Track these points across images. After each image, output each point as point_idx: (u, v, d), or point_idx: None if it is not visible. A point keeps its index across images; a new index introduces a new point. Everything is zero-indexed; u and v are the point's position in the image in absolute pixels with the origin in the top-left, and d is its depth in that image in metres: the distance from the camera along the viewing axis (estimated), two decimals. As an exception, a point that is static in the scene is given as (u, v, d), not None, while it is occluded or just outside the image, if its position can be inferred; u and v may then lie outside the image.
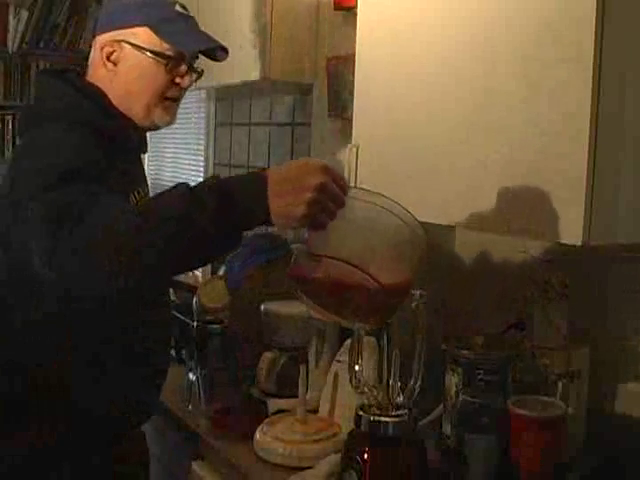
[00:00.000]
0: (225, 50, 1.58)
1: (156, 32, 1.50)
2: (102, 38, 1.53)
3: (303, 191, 1.13)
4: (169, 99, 1.56)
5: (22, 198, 1.29)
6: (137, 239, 1.15)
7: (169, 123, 1.59)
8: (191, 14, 1.58)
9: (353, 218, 1.19)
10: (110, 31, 1.52)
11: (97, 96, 1.52)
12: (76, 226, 1.17)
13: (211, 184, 1.18)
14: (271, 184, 1.15)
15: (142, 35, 1.51)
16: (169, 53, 1.52)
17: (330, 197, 1.15)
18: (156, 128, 1.60)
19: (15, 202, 1.33)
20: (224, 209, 1.14)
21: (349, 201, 1.18)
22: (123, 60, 1.52)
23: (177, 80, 1.55)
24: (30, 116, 1.54)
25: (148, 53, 1.50)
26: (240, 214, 1.16)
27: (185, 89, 1.58)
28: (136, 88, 1.52)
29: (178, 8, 1.56)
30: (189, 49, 1.54)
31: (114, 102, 1.52)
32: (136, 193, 1.55)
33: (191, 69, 1.57)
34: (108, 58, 1.52)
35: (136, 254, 1.15)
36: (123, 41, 1.51)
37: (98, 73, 1.54)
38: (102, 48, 1.52)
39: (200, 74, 1.60)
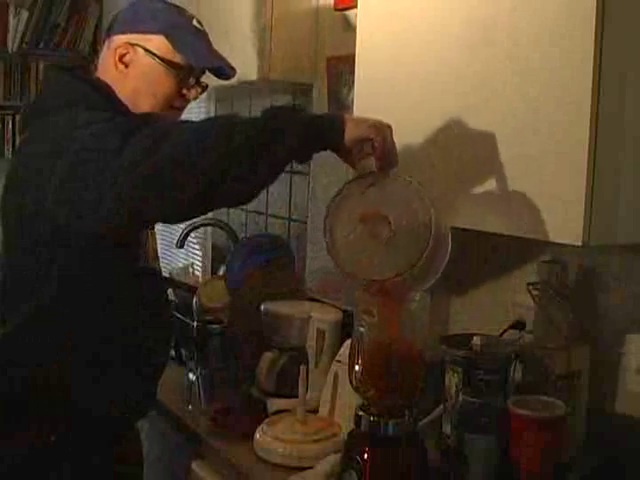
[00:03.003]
0: (233, 69, 1.62)
1: (171, 42, 1.54)
2: (117, 39, 1.55)
3: (373, 120, 1.34)
4: (173, 107, 1.59)
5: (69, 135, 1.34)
6: (230, 139, 1.25)
7: None
8: (205, 30, 1.62)
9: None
10: (126, 34, 1.55)
11: (106, 90, 1.54)
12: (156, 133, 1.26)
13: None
14: (347, 115, 1.35)
15: (157, 43, 1.54)
16: (180, 64, 1.54)
17: (391, 139, 1.33)
18: None
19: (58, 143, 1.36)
20: (306, 117, 1.32)
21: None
22: (135, 63, 1.54)
23: (184, 91, 1.58)
24: (37, 108, 1.55)
25: (160, 61, 1.53)
26: (318, 123, 1.32)
27: (189, 101, 1.61)
28: (144, 92, 1.55)
29: (195, 23, 1.59)
30: (200, 64, 1.58)
31: (123, 100, 1.54)
32: None
33: (198, 82, 1.60)
34: (120, 59, 1.54)
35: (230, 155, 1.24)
36: (137, 45, 1.53)
37: (108, 72, 1.56)
38: (116, 49, 1.54)
39: (205, 88, 1.63)
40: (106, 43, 1.59)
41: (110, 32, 1.59)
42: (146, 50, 1.53)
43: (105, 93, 1.53)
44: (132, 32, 1.54)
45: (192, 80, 1.59)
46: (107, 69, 1.56)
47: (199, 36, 1.59)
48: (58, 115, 1.41)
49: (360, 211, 1.32)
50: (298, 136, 1.27)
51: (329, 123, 1.32)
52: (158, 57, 1.53)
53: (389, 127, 1.34)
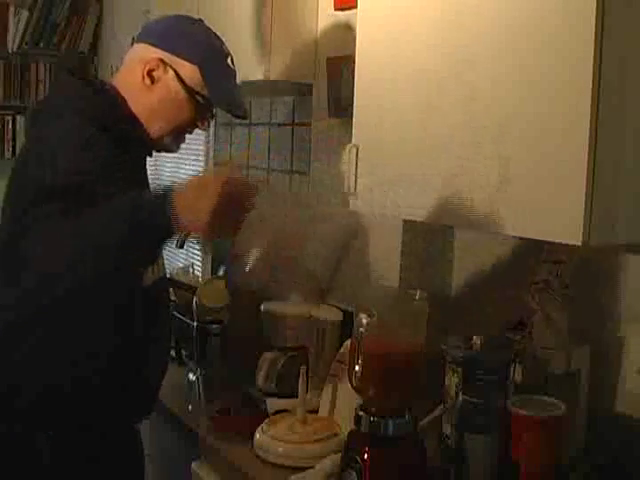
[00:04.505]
0: (247, 113, 1.68)
1: (203, 77, 1.54)
2: (151, 50, 1.54)
3: (204, 205, 1.20)
4: (182, 133, 1.60)
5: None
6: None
7: (172, 152, 1.64)
8: (236, 69, 1.64)
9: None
10: (162, 49, 1.53)
11: (114, 100, 1.52)
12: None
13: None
14: (176, 200, 1.21)
15: (190, 71, 1.53)
16: (205, 98, 1.55)
17: (234, 206, 1.23)
18: (158, 150, 1.63)
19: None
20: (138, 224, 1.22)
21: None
22: (161, 83, 1.53)
23: (197, 122, 1.59)
24: (43, 108, 1.53)
25: (187, 90, 1.53)
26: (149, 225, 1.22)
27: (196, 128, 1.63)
28: (161, 113, 1.54)
29: (229, 61, 1.60)
30: (225, 107, 1.61)
31: (134, 110, 1.53)
32: None
33: (211, 115, 1.62)
34: (149, 73, 1.53)
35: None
36: (170, 66, 1.52)
37: (130, 79, 1.54)
38: (147, 61, 1.53)
39: (214, 118, 1.65)
40: (136, 47, 1.57)
41: (145, 38, 1.57)
42: (177, 74, 1.52)
43: (113, 102, 1.51)
44: (168, 51, 1.53)
45: (209, 114, 1.60)
46: (130, 75, 1.54)
47: (230, 76, 1.61)
48: (57, 119, 1.41)
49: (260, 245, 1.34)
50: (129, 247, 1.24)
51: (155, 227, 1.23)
52: (186, 86, 1.53)
53: (223, 180, 1.23)
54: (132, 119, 1.53)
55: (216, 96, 1.56)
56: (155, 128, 1.55)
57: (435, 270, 1.93)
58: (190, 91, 1.53)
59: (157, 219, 1.21)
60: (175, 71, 1.52)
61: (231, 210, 1.22)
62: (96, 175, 1.32)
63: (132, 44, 1.59)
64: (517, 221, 1.31)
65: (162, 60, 1.52)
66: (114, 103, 1.52)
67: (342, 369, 1.66)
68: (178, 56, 1.53)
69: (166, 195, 1.22)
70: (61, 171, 1.31)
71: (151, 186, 1.67)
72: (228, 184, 1.22)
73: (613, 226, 1.24)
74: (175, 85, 1.53)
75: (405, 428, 1.38)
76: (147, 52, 1.54)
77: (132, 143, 1.52)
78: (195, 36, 1.57)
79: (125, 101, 1.53)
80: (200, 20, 1.64)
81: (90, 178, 1.31)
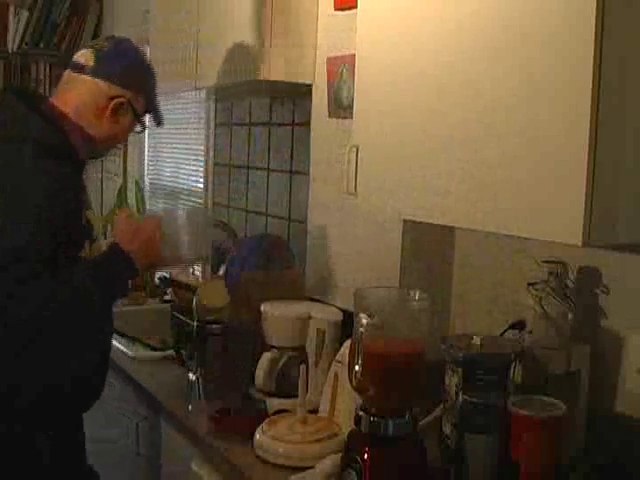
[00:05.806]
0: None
1: (147, 102, 1.80)
2: (117, 90, 1.72)
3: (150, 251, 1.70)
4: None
5: None
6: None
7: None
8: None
9: None
10: (125, 89, 1.73)
11: (55, 119, 1.64)
12: None
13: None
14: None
15: (140, 102, 1.78)
16: (143, 119, 1.82)
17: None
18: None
19: None
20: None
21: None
22: (123, 119, 1.75)
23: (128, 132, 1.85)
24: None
25: (137, 119, 1.78)
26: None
27: None
28: (116, 137, 1.78)
29: (156, 78, 1.84)
30: (159, 124, 1.88)
31: (91, 132, 1.69)
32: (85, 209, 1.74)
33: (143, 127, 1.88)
34: (115, 110, 1.71)
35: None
36: (131, 105, 1.74)
37: (93, 111, 1.71)
38: (113, 97, 1.71)
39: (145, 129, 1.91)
40: (95, 83, 1.70)
41: (107, 77, 1.71)
42: (134, 110, 1.75)
43: (54, 121, 1.62)
44: (131, 90, 1.73)
45: (140, 128, 1.84)
46: (93, 108, 1.70)
47: (158, 93, 1.84)
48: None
49: None
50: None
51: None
52: (138, 116, 1.77)
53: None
54: (85, 142, 1.68)
55: (155, 118, 1.85)
56: (105, 147, 1.80)
57: (435, 270, 1.93)
58: (140, 118, 1.79)
59: (125, 273, 1.64)
60: (133, 107, 1.75)
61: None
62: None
63: (73, 68, 1.73)
64: (517, 221, 1.31)
65: (124, 98, 1.72)
66: (67, 132, 1.64)
67: (342, 369, 1.66)
68: (134, 91, 1.75)
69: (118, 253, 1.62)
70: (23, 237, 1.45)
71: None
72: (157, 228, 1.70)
73: (613, 226, 1.24)
74: (131, 116, 1.76)
75: (405, 428, 1.38)
76: (112, 90, 1.71)
77: (74, 153, 1.66)
78: (144, 70, 1.80)
79: (77, 125, 1.67)
80: (129, 40, 1.82)
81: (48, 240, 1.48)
